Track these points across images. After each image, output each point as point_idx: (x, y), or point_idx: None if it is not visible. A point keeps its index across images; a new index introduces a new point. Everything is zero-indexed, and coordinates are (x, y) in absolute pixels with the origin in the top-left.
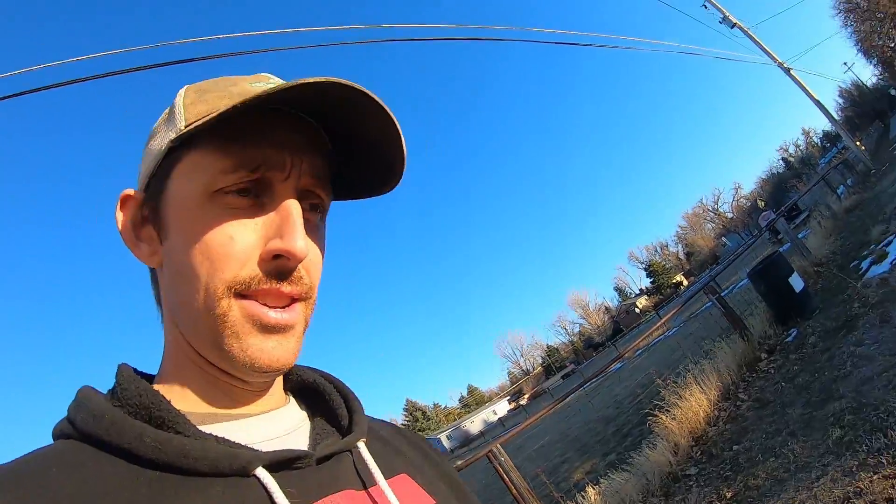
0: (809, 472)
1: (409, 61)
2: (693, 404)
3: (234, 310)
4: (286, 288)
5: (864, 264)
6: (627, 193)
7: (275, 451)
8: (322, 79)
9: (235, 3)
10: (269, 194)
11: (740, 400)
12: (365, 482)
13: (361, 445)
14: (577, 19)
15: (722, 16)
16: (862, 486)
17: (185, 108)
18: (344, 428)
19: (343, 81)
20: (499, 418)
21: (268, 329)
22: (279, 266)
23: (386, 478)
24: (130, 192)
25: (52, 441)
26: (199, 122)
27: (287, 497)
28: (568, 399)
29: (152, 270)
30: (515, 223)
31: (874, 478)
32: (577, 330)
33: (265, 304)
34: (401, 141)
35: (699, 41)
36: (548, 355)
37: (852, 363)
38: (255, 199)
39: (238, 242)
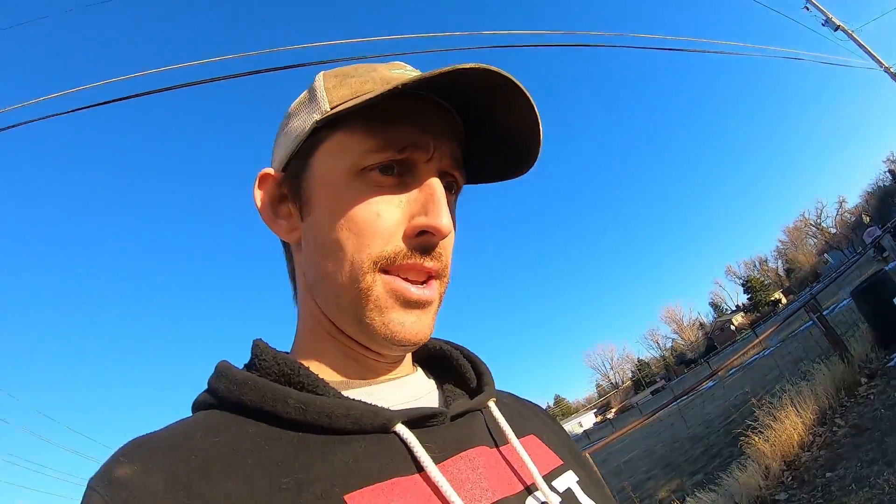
0: None
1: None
2: (787, 427)
3: (378, 284)
4: (428, 263)
5: None
6: (727, 205)
7: (412, 409)
8: (474, 66)
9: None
10: (413, 174)
11: (837, 425)
12: (496, 440)
13: (492, 405)
14: (672, 25)
15: (825, 18)
16: None
17: (327, 91)
18: (473, 390)
19: (492, 68)
20: (584, 430)
21: (409, 304)
22: (423, 242)
23: (517, 437)
24: (268, 171)
25: (191, 413)
26: (350, 104)
27: (426, 451)
28: (657, 415)
29: (287, 247)
30: (614, 232)
31: None
32: (669, 345)
33: (406, 280)
34: (539, 127)
35: (800, 45)
36: (638, 369)
37: None
38: (399, 178)
39: (384, 219)
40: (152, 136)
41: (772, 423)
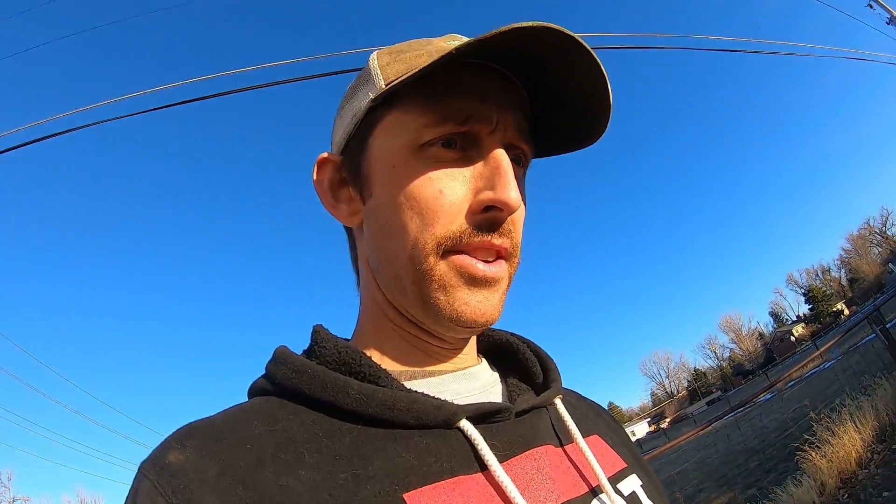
0: None
1: None
2: (846, 443)
3: (442, 264)
4: (497, 240)
5: None
6: (790, 212)
7: (477, 404)
8: (532, 24)
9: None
10: (476, 147)
11: None
12: (562, 439)
13: (558, 402)
14: (731, 26)
15: (889, 16)
16: None
17: (381, 69)
18: (539, 386)
19: (553, 26)
20: (637, 439)
21: (475, 282)
22: (490, 218)
23: (582, 437)
24: (327, 155)
25: (248, 399)
26: (404, 78)
27: (491, 449)
28: (711, 426)
29: (349, 232)
30: (675, 239)
31: None
32: (727, 354)
33: (474, 257)
34: (608, 90)
35: (862, 46)
36: (694, 379)
37: None
38: (462, 151)
39: (448, 196)
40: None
41: (829, 438)
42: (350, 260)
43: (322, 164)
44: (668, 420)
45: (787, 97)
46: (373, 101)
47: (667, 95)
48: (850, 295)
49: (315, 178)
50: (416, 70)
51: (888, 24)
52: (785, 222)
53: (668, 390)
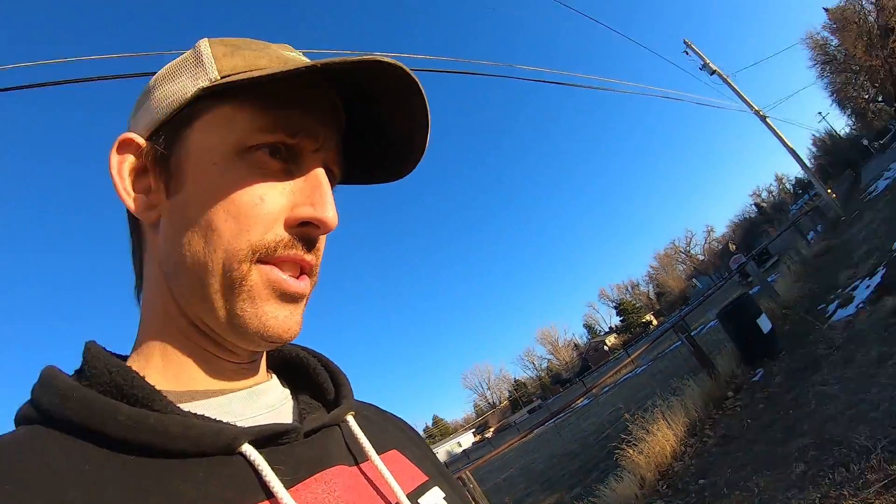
0: None
1: None
2: (660, 439)
3: (254, 274)
4: (307, 256)
5: (831, 308)
6: (603, 232)
7: (261, 426)
8: (386, 60)
9: None
10: (298, 162)
11: (706, 436)
12: (356, 457)
13: (350, 419)
14: (557, 61)
15: (702, 62)
16: None
17: (215, 59)
18: (330, 402)
19: (403, 66)
20: (463, 450)
21: (286, 297)
22: (305, 233)
23: (378, 453)
24: (132, 136)
25: (14, 428)
26: (247, 76)
27: (277, 474)
28: (534, 432)
29: (136, 226)
30: (491, 255)
31: None
32: (545, 365)
33: (281, 270)
34: (427, 130)
35: (679, 86)
36: (515, 389)
37: (816, 402)
38: (284, 163)
39: (268, 204)
40: None
41: (645, 436)
42: (131, 258)
43: (124, 145)
44: (492, 430)
45: (608, 127)
46: (204, 90)
47: (496, 118)
48: (658, 307)
49: (112, 159)
50: (263, 73)
51: (701, 69)
52: (597, 241)
53: (491, 401)
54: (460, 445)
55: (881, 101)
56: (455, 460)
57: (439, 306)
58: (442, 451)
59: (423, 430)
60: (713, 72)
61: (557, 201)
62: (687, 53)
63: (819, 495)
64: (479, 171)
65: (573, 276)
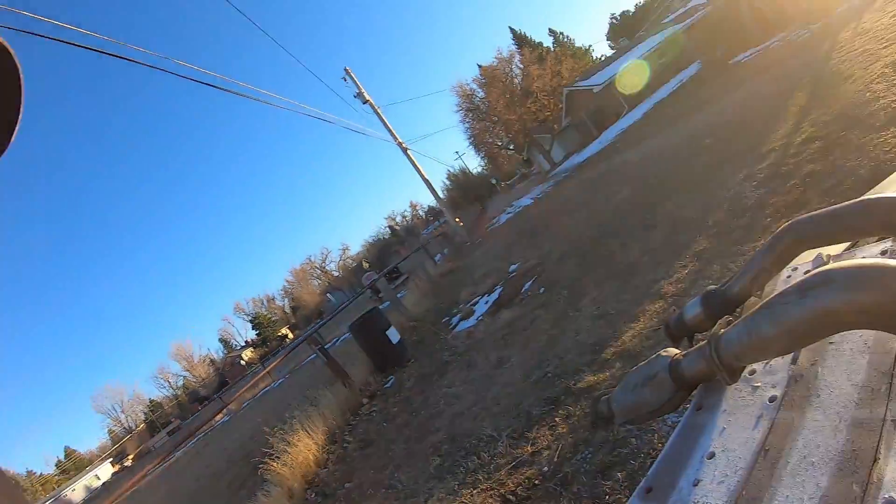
0: (418, 497)
1: None
2: (302, 449)
3: None
4: None
5: (455, 320)
6: (238, 245)
7: None
8: None
9: None
10: None
11: (346, 442)
12: None
13: None
14: (212, 64)
15: (357, 91)
16: (466, 501)
17: None
18: None
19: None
20: (103, 483)
21: None
22: None
23: None
24: None
25: None
26: None
27: None
28: (175, 455)
29: None
30: (117, 268)
31: (474, 492)
32: (181, 383)
33: None
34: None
35: (331, 108)
36: (151, 410)
37: (445, 402)
38: None
39: None
40: None
41: (287, 448)
42: None
43: None
44: (131, 457)
45: (252, 142)
46: None
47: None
48: (294, 321)
49: None
50: None
51: (355, 97)
52: (232, 255)
53: (126, 426)
54: (99, 478)
55: (512, 150)
56: (95, 495)
57: (52, 321)
58: (80, 487)
59: (56, 465)
60: (366, 101)
61: (190, 214)
62: (345, 80)
63: (457, 483)
64: (107, 173)
65: (208, 290)
